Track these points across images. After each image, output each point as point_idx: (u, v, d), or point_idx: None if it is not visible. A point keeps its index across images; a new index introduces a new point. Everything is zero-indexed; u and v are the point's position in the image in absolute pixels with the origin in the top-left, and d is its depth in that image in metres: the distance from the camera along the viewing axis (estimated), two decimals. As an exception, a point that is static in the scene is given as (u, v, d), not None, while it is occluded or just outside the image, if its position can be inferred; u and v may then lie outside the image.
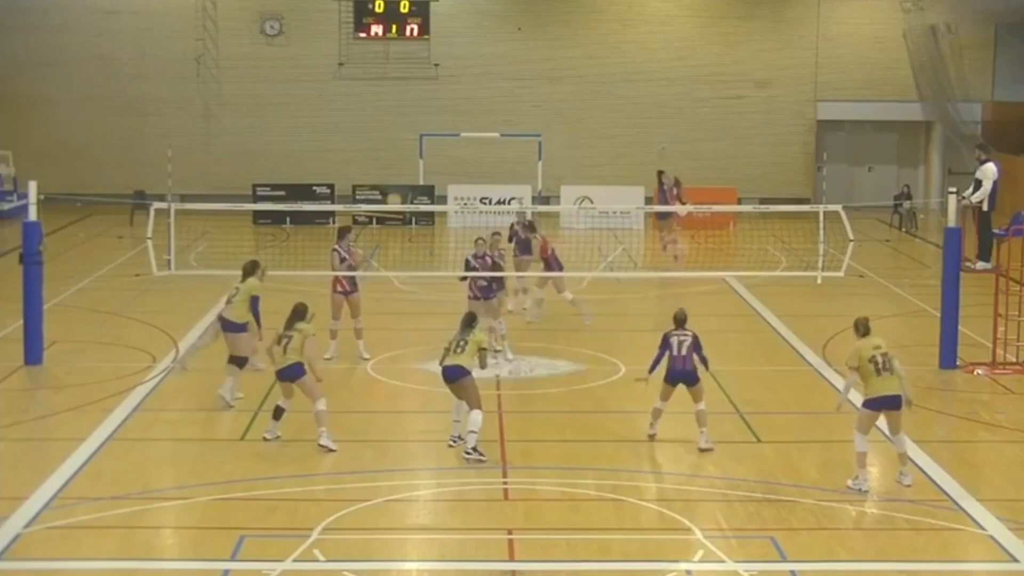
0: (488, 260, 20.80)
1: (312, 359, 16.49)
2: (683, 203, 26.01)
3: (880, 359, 15.08)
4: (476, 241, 21.08)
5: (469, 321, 16.48)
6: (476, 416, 16.04)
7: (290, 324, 16.51)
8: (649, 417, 16.86)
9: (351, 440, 16.92)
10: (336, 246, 21.02)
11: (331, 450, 16.14)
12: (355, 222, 36.67)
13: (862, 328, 15.50)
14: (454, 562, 13.02)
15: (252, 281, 18.78)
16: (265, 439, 16.56)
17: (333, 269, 20.96)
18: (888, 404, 15.06)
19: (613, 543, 13.44)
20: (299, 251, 30.31)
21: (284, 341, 16.34)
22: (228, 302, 18.65)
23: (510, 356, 20.76)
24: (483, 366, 16.52)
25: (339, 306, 20.99)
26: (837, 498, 14.77)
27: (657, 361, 16.62)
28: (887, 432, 15.64)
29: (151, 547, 13.38)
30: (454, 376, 16.13)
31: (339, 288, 20.93)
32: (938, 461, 16.08)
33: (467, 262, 20.85)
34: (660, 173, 30.52)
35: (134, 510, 14.18)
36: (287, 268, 26.65)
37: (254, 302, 18.67)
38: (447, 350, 16.25)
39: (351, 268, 20.94)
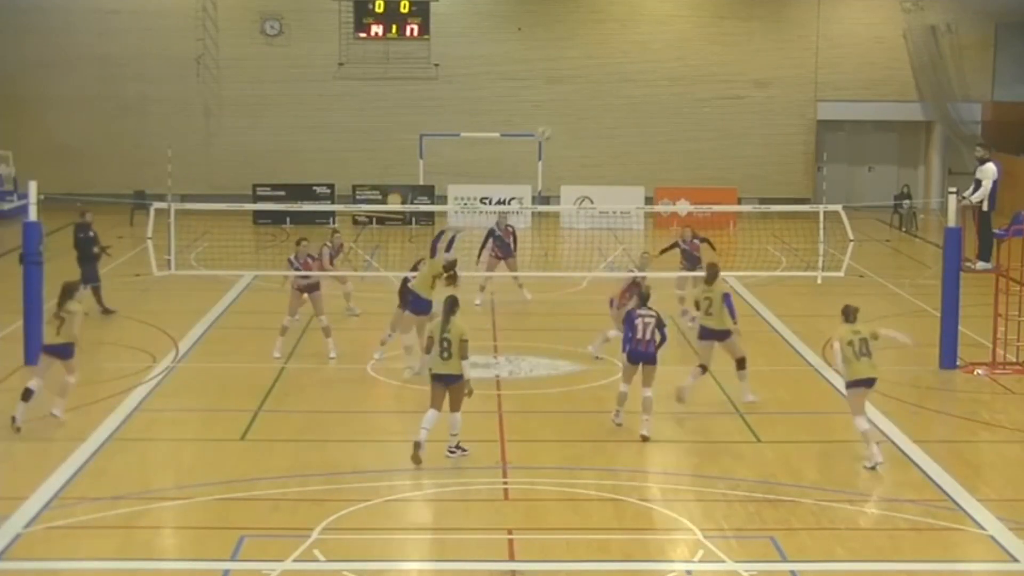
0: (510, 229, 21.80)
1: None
2: (712, 246, 25.07)
3: (859, 344, 16.05)
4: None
5: (451, 307, 15.98)
6: (458, 417, 15.99)
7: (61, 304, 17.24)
8: (615, 404, 17.24)
9: (351, 440, 16.93)
10: (290, 258, 21.59)
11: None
12: (355, 222, 36.70)
13: (848, 315, 16.41)
14: (454, 562, 13.02)
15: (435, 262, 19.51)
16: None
17: (289, 277, 21.54)
18: (867, 384, 16.22)
19: (613, 543, 13.44)
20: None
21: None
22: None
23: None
24: (465, 357, 15.90)
25: (296, 303, 21.31)
26: (837, 498, 14.78)
27: (626, 341, 17.05)
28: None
29: (151, 547, 13.37)
30: (451, 383, 15.91)
31: (296, 284, 21.32)
32: (938, 461, 16.08)
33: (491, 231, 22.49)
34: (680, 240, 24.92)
35: (134, 510, 14.18)
36: (287, 268, 26.64)
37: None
38: (431, 339, 15.91)
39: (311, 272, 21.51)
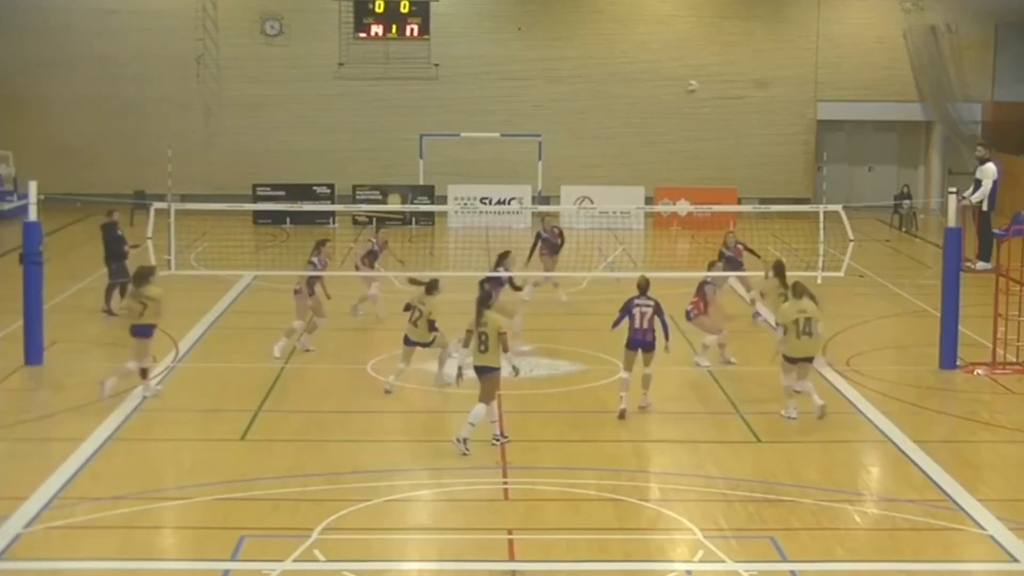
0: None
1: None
2: (755, 255, 24.77)
3: (803, 323, 17.23)
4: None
5: (484, 300, 16.43)
6: (479, 409, 16.15)
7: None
8: (618, 390, 17.75)
9: (351, 440, 16.93)
10: (313, 259, 21.64)
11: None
12: (355, 222, 36.69)
13: (796, 291, 17.43)
14: (454, 562, 13.01)
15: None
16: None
17: (306, 277, 21.46)
18: (806, 361, 17.71)
19: (613, 543, 13.43)
20: (299, 251, 30.26)
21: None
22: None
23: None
24: (507, 349, 16.52)
25: (306, 306, 21.38)
26: (837, 498, 14.77)
27: (617, 323, 17.80)
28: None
29: (151, 547, 13.37)
30: (483, 373, 16.36)
31: (308, 291, 21.40)
32: (938, 461, 16.07)
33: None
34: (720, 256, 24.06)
35: (134, 510, 14.17)
36: (287, 268, 26.65)
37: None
38: (469, 332, 16.30)
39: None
